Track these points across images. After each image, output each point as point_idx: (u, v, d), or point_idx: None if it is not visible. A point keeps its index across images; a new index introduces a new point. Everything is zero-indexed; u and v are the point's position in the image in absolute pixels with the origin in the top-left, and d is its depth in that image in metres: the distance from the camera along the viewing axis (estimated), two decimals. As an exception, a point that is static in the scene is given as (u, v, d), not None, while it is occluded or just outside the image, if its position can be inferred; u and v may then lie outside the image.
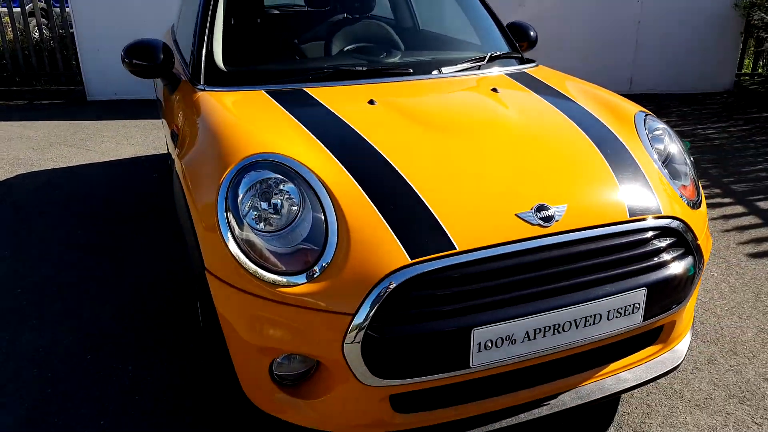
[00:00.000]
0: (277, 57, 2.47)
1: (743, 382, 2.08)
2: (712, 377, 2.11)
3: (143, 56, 2.35)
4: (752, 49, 6.70)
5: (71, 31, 7.12)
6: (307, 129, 1.78)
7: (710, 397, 2.01)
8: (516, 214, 1.53)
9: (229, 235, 1.52)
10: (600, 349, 1.69)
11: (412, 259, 1.42)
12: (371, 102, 1.96)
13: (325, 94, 2.05)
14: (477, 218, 1.51)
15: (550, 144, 1.81)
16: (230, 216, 1.53)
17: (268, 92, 2.09)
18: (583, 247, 1.54)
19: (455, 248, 1.45)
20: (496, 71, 2.38)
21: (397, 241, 1.44)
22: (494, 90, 2.13)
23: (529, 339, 1.49)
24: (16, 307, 2.61)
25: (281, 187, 1.55)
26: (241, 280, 1.49)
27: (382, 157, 1.66)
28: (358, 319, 1.39)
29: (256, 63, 2.41)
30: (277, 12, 2.92)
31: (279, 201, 1.54)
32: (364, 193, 1.54)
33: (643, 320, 1.63)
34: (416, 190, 1.55)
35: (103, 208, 3.66)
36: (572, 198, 1.60)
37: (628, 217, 1.61)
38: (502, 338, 1.46)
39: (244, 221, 1.53)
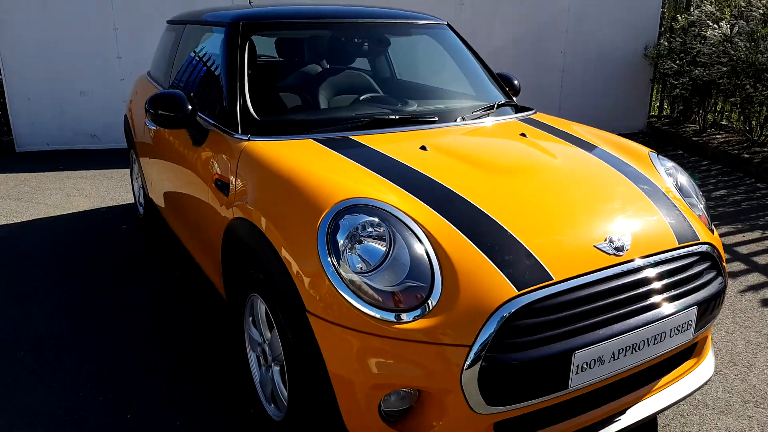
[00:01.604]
0: (306, 107, 2.53)
1: (751, 388, 2.33)
2: (724, 386, 2.35)
3: (169, 107, 2.36)
4: (658, 94, 7.49)
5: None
6: (379, 174, 1.86)
7: (729, 403, 2.24)
8: (594, 246, 1.69)
9: (336, 277, 1.56)
10: (659, 364, 1.86)
11: (519, 290, 1.53)
12: (423, 148, 2.08)
13: (373, 142, 2.14)
14: (563, 250, 1.66)
15: (596, 182, 2.01)
16: (334, 260, 1.58)
17: (316, 140, 2.16)
18: (650, 272, 1.72)
19: (552, 278, 1.58)
20: (508, 117, 2.58)
21: (502, 274, 1.56)
22: (523, 135, 2.33)
23: (614, 359, 1.64)
24: (20, 370, 2.43)
25: (380, 229, 1.62)
26: (352, 321, 1.54)
27: (461, 198, 1.77)
28: (476, 349, 1.48)
29: (288, 113, 2.46)
30: (277, 62, 2.98)
31: (380, 243, 1.61)
32: (458, 231, 1.65)
33: (693, 335, 1.82)
34: (504, 227, 1.68)
35: (83, 267, 3.47)
36: (632, 229, 1.79)
37: (677, 244, 1.82)
38: (594, 359, 1.60)
39: (349, 264, 1.58)
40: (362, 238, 1.62)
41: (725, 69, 5.55)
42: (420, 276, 1.56)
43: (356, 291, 1.55)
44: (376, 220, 1.64)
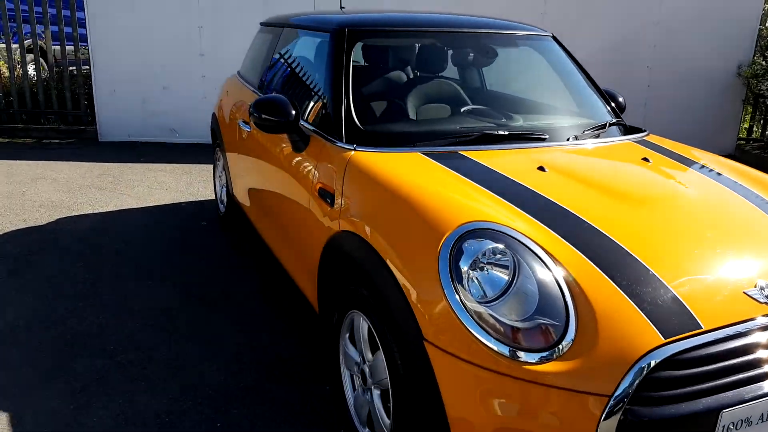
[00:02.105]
0: (408, 117, 2.44)
1: None
2: None
3: (274, 112, 2.30)
4: (749, 115, 7.06)
5: (83, 70, 6.95)
6: (499, 196, 1.74)
7: None
8: (744, 292, 1.52)
9: (460, 308, 1.45)
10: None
11: (665, 338, 1.38)
12: (541, 168, 1.95)
13: (485, 158, 2.03)
14: (711, 296, 1.49)
15: (735, 217, 1.83)
16: (457, 288, 1.47)
17: (425, 154, 2.06)
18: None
19: (701, 327, 1.42)
20: (623, 139, 2.41)
21: (646, 318, 1.41)
22: (646, 160, 2.16)
23: (763, 420, 1.46)
24: (113, 365, 2.43)
25: (506, 258, 1.50)
26: (477, 356, 1.42)
27: (594, 228, 1.63)
28: (615, 400, 1.34)
29: (392, 123, 2.38)
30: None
31: (506, 273, 1.49)
32: (594, 265, 1.51)
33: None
34: (646, 264, 1.53)
35: (168, 264, 3.49)
36: (782, 274, 1.60)
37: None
38: (742, 420, 1.43)
39: (472, 293, 1.47)
40: (486, 267, 1.50)
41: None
42: (552, 313, 1.43)
43: (482, 324, 1.43)
44: (501, 247, 1.52)
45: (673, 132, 6.65)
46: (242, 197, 3.42)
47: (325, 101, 2.35)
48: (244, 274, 3.32)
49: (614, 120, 2.57)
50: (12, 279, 3.16)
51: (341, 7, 3.76)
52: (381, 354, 1.75)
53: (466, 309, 1.45)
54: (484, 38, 2.73)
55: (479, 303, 1.46)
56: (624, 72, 6.56)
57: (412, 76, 2.67)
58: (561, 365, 1.38)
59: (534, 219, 1.64)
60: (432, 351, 1.49)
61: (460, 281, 1.49)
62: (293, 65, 2.93)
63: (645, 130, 2.58)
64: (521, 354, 1.40)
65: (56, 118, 6.98)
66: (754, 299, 1.51)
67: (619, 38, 6.47)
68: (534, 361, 1.39)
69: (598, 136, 2.39)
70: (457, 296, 1.46)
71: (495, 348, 1.41)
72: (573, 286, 1.47)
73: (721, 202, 1.91)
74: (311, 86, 2.62)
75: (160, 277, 3.24)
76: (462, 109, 2.55)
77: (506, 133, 2.23)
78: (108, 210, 4.31)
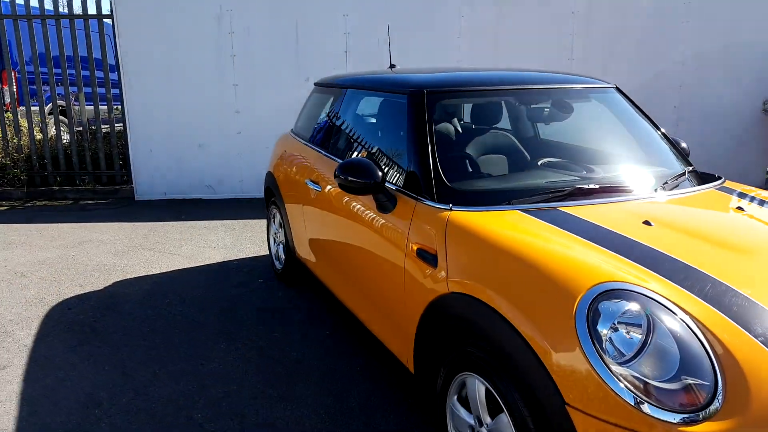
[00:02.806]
0: (492, 173, 2.49)
1: None
2: None
3: (360, 174, 2.36)
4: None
5: (116, 128, 7.11)
6: (617, 253, 1.76)
7: None
8: None
9: (604, 370, 1.46)
10: None
11: (823, 395, 1.38)
12: (647, 223, 1.98)
13: (586, 214, 2.06)
14: None
15: None
16: (599, 350, 1.48)
17: (524, 212, 2.09)
18: None
19: None
20: (706, 187, 2.44)
21: (799, 376, 1.41)
22: (740, 209, 2.19)
23: None
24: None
25: (643, 318, 1.51)
26: (629, 420, 1.42)
27: (720, 282, 1.65)
28: (779, 461, 1.33)
29: (481, 180, 2.42)
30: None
31: (644, 334, 1.50)
32: (731, 321, 1.52)
33: None
34: None
35: (235, 322, 3.50)
36: None
37: None
38: None
39: (613, 355, 1.48)
40: (624, 328, 1.51)
41: None
42: (699, 373, 1.43)
43: (629, 386, 1.44)
44: (637, 307, 1.53)
45: (703, 169, 6.74)
46: (307, 254, 3.46)
47: (409, 161, 2.41)
48: (314, 332, 3.33)
49: (690, 168, 2.61)
50: (82, 349, 3.17)
51: (391, 66, 3.87)
52: (505, 417, 1.75)
53: (611, 372, 1.46)
54: (556, 93, 2.80)
55: (621, 365, 1.46)
56: (652, 112, 6.65)
57: (488, 133, 2.73)
58: (715, 426, 1.37)
59: (659, 275, 1.66)
60: (576, 415, 1.49)
61: (600, 343, 1.50)
62: (367, 126, 3.00)
63: (721, 177, 2.61)
64: (673, 417, 1.39)
65: (91, 178, 7.12)
66: None
67: (645, 80, 6.60)
68: (686, 423, 1.38)
69: (683, 186, 2.42)
70: (600, 360, 1.47)
71: (647, 411, 1.40)
72: (714, 343, 1.48)
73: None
74: (390, 147, 2.68)
75: (230, 339, 3.25)
76: (539, 162, 2.60)
77: (597, 186, 2.27)
78: (162, 271, 4.35)
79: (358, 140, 2.99)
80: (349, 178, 2.40)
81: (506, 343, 1.70)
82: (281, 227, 4.02)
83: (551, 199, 2.18)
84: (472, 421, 1.96)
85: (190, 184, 6.74)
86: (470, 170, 2.48)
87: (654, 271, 1.67)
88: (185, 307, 3.69)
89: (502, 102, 2.78)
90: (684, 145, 3.06)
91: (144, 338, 3.27)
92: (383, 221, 2.43)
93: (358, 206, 2.65)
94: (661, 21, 6.51)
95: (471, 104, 2.83)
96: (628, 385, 1.44)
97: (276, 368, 2.94)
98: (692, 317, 1.53)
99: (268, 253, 4.66)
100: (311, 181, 3.22)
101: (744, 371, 1.43)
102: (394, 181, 2.48)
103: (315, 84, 3.95)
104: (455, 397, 2.04)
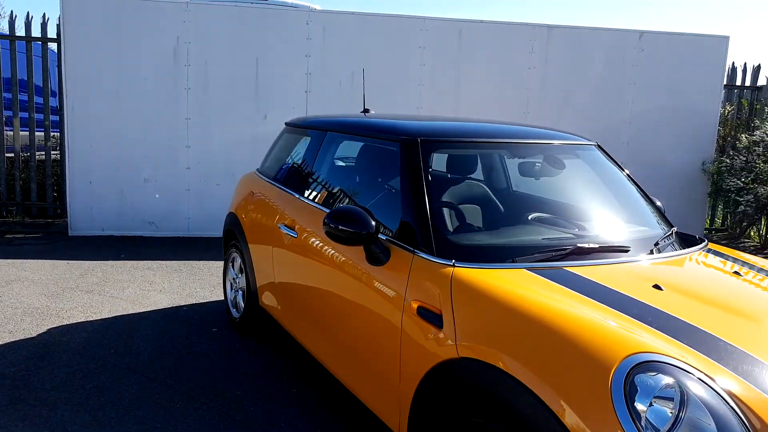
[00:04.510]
0: (488, 228, 2.41)
1: None
2: None
3: (352, 223, 2.24)
4: (709, 209, 7.51)
5: (52, 156, 6.66)
6: (640, 321, 1.69)
7: None
8: None
9: (649, 451, 1.37)
10: None
11: None
12: (657, 287, 1.94)
13: (596, 276, 2.00)
14: None
15: None
16: (639, 426, 1.39)
17: (529, 270, 2.01)
18: None
19: None
20: (695, 249, 2.45)
21: None
22: (737, 273, 2.20)
23: None
24: None
25: (681, 392, 1.44)
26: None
27: (751, 356, 1.60)
28: None
29: (480, 235, 2.34)
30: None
31: (679, 408, 1.42)
32: (764, 393, 1.47)
33: None
34: None
35: (185, 378, 3.22)
36: None
37: None
38: None
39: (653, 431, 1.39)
40: (661, 403, 1.43)
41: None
42: (741, 452, 1.37)
43: (677, 468, 1.35)
44: (672, 380, 1.46)
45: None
46: (274, 303, 3.25)
47: (404, 212, 2.30)
48: (281, 389, 3.09)
49: (674, 229, 2.63)
50: (15, 408, 2.79)
51: (364, 110, 3.80)
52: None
53: (656, 452, 1.37)
54: (549, 148, 2.78)
55: None
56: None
57: (477, 185, 2.67)
58: None
59: (686, 345, 1.60)
60: (620, 500, 1.38)
61: (639, 421, 1.41)
62: (351, 172, 2.89)
63: (704, 240, 2.63)
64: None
65: (20, 210, 6.60)
66: None
67: (594, 135, 6.81)
68: None
69: (674, 248, 2.42)
70: (643, 439, 1.38)
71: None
72: (751, 417, 1.42)
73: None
74: (379, 195, 2.57)
75: (186, 398, 2.97)
76: (529, 217, 2.55)
77: (597, 246, 2.23)
78: (103, 317, 3.99)
79: (342, 187, 2.87)
80: (340, 227, 2.26)
81: (530, 417, 1.58)
82: (242, 272, 3.79)
83: (554, 258, 2.12)
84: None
85: (132, 220, 6.35)
86: (467, 223, 2.40)
87: (679, 340, 1.61)
88: (132, 358, 3.37)
89: (494, 155, 2.74)
90: (659, 203, 3.11)
91: (87, 396, 2.93)
92: (375, 274, 2.30)
93: (344, 257, 2.50)
94: (611, 81, 6.82)
95: (464, 156, 2.77)
96: (672, 467, 1.35)
97: None
98: (726, 390, 1.47)
99: (220, 299, 4.40)
100: (285, 226, 3.05)
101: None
102: (383, 232, 2.36)
103: (287, 124, 3.82)
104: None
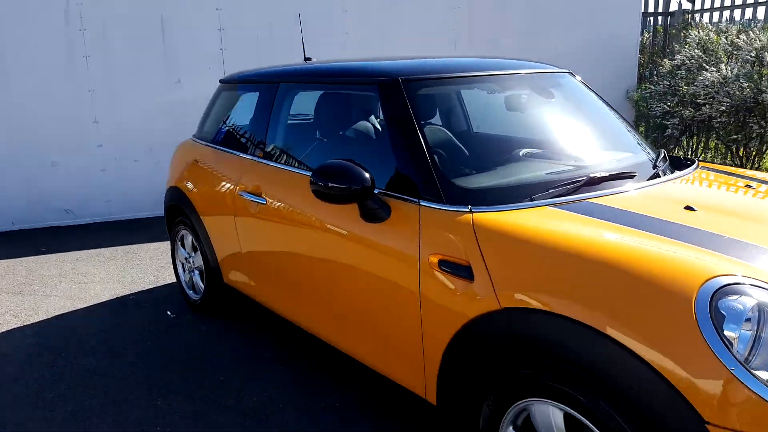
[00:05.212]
0: (492, 168, 2.25)
1: None
2: None
3: (344, 179, 2.01)
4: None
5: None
6: (697, 245, 1.59)
7: None
8: None
9: (748, 376, 1.29)
10: None
11: None
12: (690, 208, 1.87)
13: (622, 204, 1.90)
14: None
15: None
16: (734, 353, 1.31)
17: (553, 206, 1.89)
18: None
19: None
20: (692, 169, 2.41)
21: None
22: (749, 186, 2.18)
23: None
24: None
25: (759, 312, 1.37)
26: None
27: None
28: None
29: (484, 175, 2.17)
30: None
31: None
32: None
33: None
34: None
35: (154, 370, 2.91)
36: None
37: None
38: None
39: (749, 357, 1.32)
40: (749, 326, 1.36)
41: (723, 108, 5.83)
42: (834, 364, 1.32)
43: (774, 389, 1.28)
44: (754, 301, 1.38)
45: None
46: (245, 279, 2.98)
47: (399, 161, 2.10)
48: (265, 365, 2.86)
49: (663, 151, 2.58)
50: (-37, 433, 2.42)
51: (306, 59, 3.51)
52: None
53: (758, 379, 1.29)
54: (534, 78, 2.64)
55: (761, 369, 1.31)
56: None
57: (466, 123, 2.50)
58: None
59: (750, 264, 1.53)
60: (719, 434, 1.30)
61: (731, 347, 1.33)
62: (317, 126, 2.62)
63: (695, 160, 2.60)
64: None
65: None
66: None
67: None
68: None
69: (675, 170, 2.37)
70: (742, 366, 1.30)
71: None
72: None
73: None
74: (361, 147, 2.34)
75: (166, 392, 2.67)
76: (521, 153, 2.42)
77: (608, 174, 2.13)
78: (41, 318, 3.55)
79: (312, 143, 2.61)
80: (330, 184, 2.03)
81: (601, 360, 1.47)
82: (195, 250, 3.47)
83: (571, 192, 1.99)
84: (538, 453, 1.71)
85: (45, 209, 5.72)
86: (461, 166, 2.22)
87: (742, 260, 1.54)
88: (90, 359, 3.01)
89: (478, 90, 2.57)
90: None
91: (52, 408, 2.58)
92: (375, 233, 2.09)
93: (334, 218, 2.27)
94: (535, 17, 6.79)
95: (447, 94, 2.58)
96: (773, 388, 1.28)
97: (246, 422, 2.45)
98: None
99: (169, 282, 4.04)
100: (249, 193, 2.76)
101: None
102: (383, 185, 2.15)
103: (223, 81, 3.45)
104: (510, 427, 1.78)
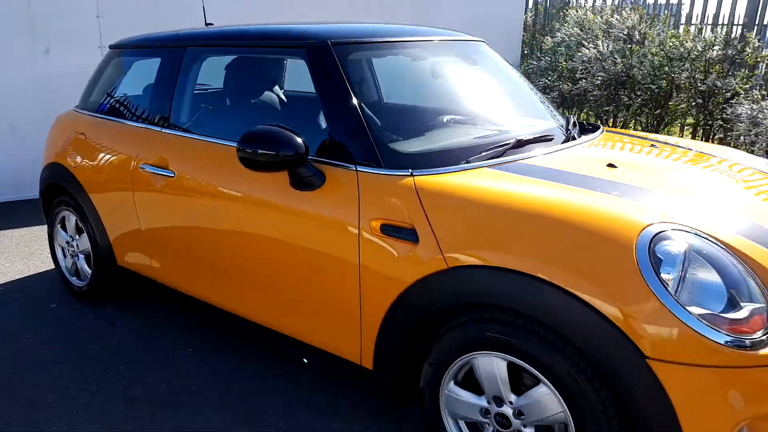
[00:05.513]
0: (423, 132, 2.32)
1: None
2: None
3: (276, 145, 1.99)
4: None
5: None
6: (627, 198, 1.77)
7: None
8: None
9: (685, 313, 1.48)
10: None
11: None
12: (612, 165, 2.06)
13: (552, 164, 2.06)
14: None
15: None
16: (672, 293, 1.50)
17: (489, 168, 2.00)
18: None
19: None
20: (599, 133, 2.64)
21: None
22: (653, 146, 2.44)
23: None
24: None
25: (701, 253, 1.56)
26: (709, 357, 1.47)
27: (719, 209, 1.81)
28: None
29: (418, 139, 2.24)
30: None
31: (703, 269, 1.55)
32: (752, 242, 1.66)
33: None
34: None
35: (47, 370, 2.70)
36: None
37: None
38: None
39: (685, 296, 1.51)
40: (682, 267, 1.55)
41: (598, 82, 6.40)
42: (755, 297, 1.54)
43: (710, 325, 1.48)
44: (685, 245, 1.57)
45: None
46: (147, 261, 2.83)
47: (333, 127, 2.12)
48: (171, 348, 2.76)
49: (572, 117, 2.81)
50: None
51: (207, 24, 3.38)
52: (541, 389, 1.68)
53: (693, 315, 1.48)
54: (457, 46, 2.74)
55: (695, 306, 1.50)
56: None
57: (395, 90, 2.56)
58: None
59: (672, 211, 1.73)
60: (661, 368, 1.48)
61: (668, 287, 1.51)
62: (232, 93, 2.54)
63: (600, 125, 2.84)
64: (745, 342, 1.48)
65: None
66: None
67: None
68: (758, 345, 1.48)
69: (585, 134, 2.58)
70: (680, 305, 1.48)
71: (725, 343, 1.46)
72: (753, 265, 1.60)
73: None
74: (285, 113, 2.32)
75: (57, 388, 2.49)
76: (445, 119, 2.52)
77: (532, 137, 2.27)
78: None
79: (227, 111, 2.54)
80: (260, 151, 2.00)
81: (552, 309, 1.60)
82: (80, 233, 3.24)
83: (502, 154, 2.12)
84: (483, 403, 1.83)
85: None
86: (400, 130, 2.28)
87: (669, 208, 1.74)
88: (-37, 361, 2.72)
89: (404, 57, 2.61)
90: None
91: (-77, 418, 2.31)
92: (308, 201, 2.09)
93: (260, 188, 2.23)
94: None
95: (376, 59, 2.61)
96: (709, 324, 1.47)
97: (156, 410, 2.36)
98: (724, 244, 1.62)
99: (43, 270, 3.75)
100: (153, 166, 2.62)
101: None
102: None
103: (114, 47, 3.21)
104: (452, 383, 1.89)
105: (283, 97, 2.75)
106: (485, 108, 2.62)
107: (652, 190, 1.88)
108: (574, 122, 2.68)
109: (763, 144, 5.53)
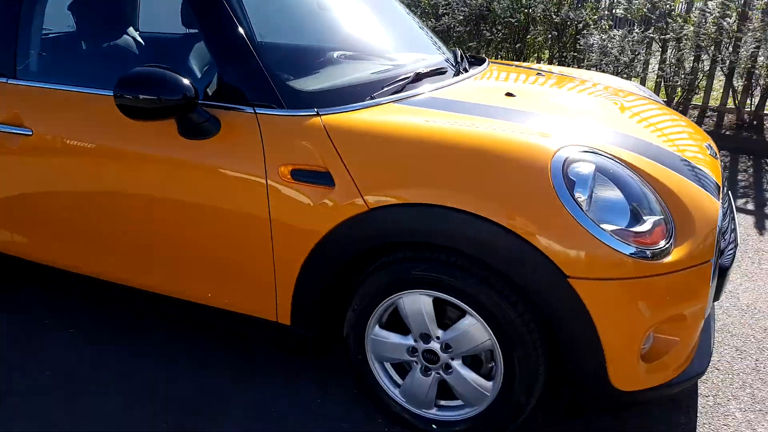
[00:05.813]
0: (318, 69, 2.27)
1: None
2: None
3: (160, 89, 1.86)
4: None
5: None
6: (532, 125, 1.89)
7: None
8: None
9: (600, 231, 1.62)
10: None
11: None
12: (510, 94, 2.17)
13: (454, 96, 2.13)
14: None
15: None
16: (588, 213, 1.63)
17: (395, 102, 2.03)
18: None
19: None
20: (487, 64, 2.75)
21: (704, 191, 1.85)
22: (539, 74, 2.59)
23: None
24: None
25: (601, 174, 1.71)
26: (622, 270, 1.62)
27: (615, 131, 1.99)
28: (713, 260, 1.75)
29: (318, 76, 2.19)
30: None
31: (610, 188, 1.70)
32: (650, 160, 1.85)
33: None
34: (676, 153, 1.97)
35: None
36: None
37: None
38: None
39: (598, 215, 1.65)
40: (591, 187, 1.68)
41: (461, 17, 6.60)
42: (655, 210, 1.71)
43: (625, 241, 1.62)
44: (591, 167, 1.70)
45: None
46: (9, 237, 2.55)
47: (223, 66, 2.01)
48: (43, 337, 2.56)
49: (459, 49, 2.88)
50: None
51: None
52: (467, 320, 1.79)
53: (607, 232, 1.62)
54: None
55: (607, 223, 1.64)
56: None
57: (280, 24, 2.47)
58: (680, 251, 1.70)
59: (575, 133, 1.88)
60: (581, 285, 1.62)
61: (582, 207, 1.63)
62: (91, 31, 2.31)
63: (485, 58, 2.94)
64: (652, 252, 1.65)
65: None
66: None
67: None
68: (664, 255, 1.67)
69: (474, 67, 2.68)
70: (596, 225, 1.61)
71: (636, 255, 1.63)
72: (653, 182, 1.78)
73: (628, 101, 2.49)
74: (160, 52, 2.16)
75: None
76: (336, 55, 2.48)
77: (428, 70, 2.31)
78: None
79: (91, 53, 2.30)
80: (143, 96, 1.86)
81: (474, 239, 1.68)
82: None
83: (405, 88, 2.15)
84: (410, 342, 1.91)
85: None
86: (294, 67, 2.21)
87: (572, 132, 1.89)
88: None
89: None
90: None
91: None
92: (202, 151, 1.98)
93: (142, 139, 2.08)
94: None
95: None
96: (621, 239, 1.63)
97: (46, 400, 2.19)
98: (626, 163, 1.78)
99: None
100: (2, 124, 2.35)
101: (680, 199, 1.78)
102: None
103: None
104: (377, 327, 1.94)
105: (141, 40, 2.56)
106: (375, 42, 2.62)
107: (553, 115, 2.01)
108: (461, 55, 2.76)
109: (611, 71, 6.06)
